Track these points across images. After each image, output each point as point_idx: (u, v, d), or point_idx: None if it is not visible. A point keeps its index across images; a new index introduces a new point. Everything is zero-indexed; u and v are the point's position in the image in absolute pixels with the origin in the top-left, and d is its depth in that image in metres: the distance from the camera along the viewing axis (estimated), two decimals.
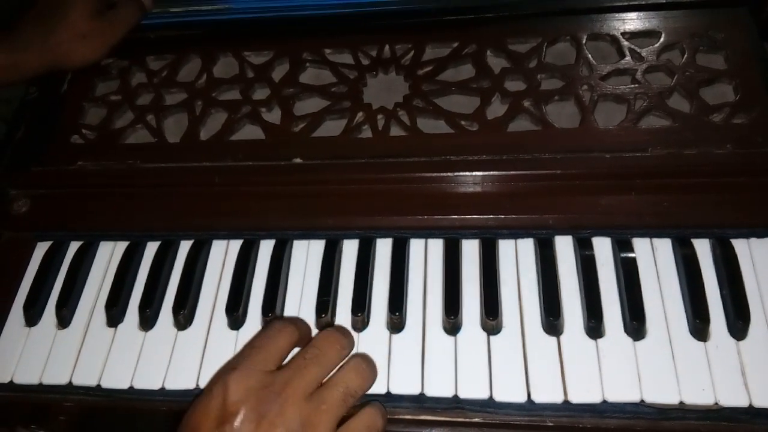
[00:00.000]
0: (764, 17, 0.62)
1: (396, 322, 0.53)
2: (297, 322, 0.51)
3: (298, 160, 0.61)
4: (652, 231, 0.55)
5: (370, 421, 0.46)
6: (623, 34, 0.64)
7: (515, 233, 0.56)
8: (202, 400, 0.44)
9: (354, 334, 0.53)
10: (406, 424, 0.50)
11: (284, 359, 0.48)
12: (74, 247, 0.61)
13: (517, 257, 0.55)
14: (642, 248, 0.54)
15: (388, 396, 0.50)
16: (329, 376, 0.47)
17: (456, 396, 0.50)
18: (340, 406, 0.45)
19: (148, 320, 0.56)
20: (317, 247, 0.58)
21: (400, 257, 0.56)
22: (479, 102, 0.62)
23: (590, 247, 0.55)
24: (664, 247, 0.54)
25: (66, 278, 0.59)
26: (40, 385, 0.55)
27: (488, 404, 0.49)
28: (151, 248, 0.60)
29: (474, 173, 0.58)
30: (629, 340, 0.50)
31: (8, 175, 0.66)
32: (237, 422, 0.42)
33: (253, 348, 0.47)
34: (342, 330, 0.51)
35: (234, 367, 0.45)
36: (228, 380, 0.44)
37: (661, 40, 0.63)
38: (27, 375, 0.55)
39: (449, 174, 0.58)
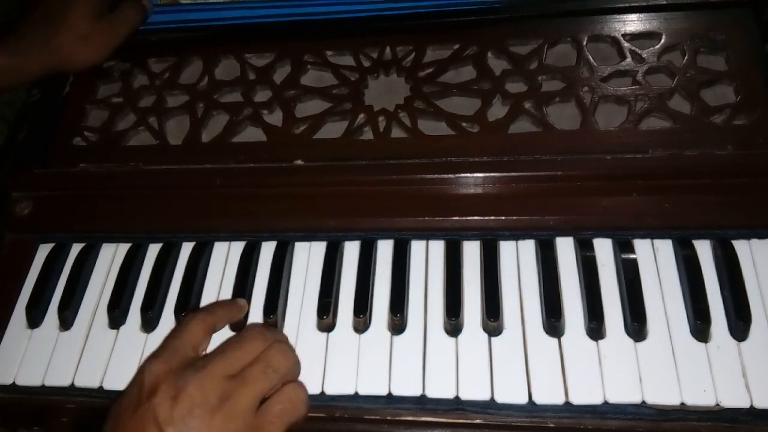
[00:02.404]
0: (765, 18, 0.62)
1: (397, 324, 0.53)
2: (214, 308, 0.52)
3: (299, 162, 0.61)
4: (653, 232, 0.55)
5: (292, 393, 0.47)
6: (624, 35, 0.64)
7: (516, 234, 0.56)
8: (125, 390, 0.46)
9: (355, 335, 0.53)
10: (408, 426, 0.50)
11: (204, 345, 0.50)
12: (76, 249, 0.62)
13: (518, 258, 0.55)
14: (643, 249, 0.54)
15: (390, 397, 0.50)
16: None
17: (457, 397, 0.50)
18: (262, 380, 0.45)
19: (150, 322, 0.56)
20: (319, 248, 0.58)
21: (401, 259, 0.56)
22: (480, 103, 0.62)
23: (591, 248, 0.55)
24: (665, 248, 0.54)
25: (68, 280, 0.59)
26: (43, 386, 0.55)
27: (489, 405, 0.49)
28: (153, 250, 0.61)
29: (475, 175, 0.58)
30: (630, 341, 0.50)
31: (11, 177, 0.66)
32: (156, 399, 0.43)
33: (170, 338, 0.49)
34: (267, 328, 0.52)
35: (154, 355, 0.47)
36: (145, 365, 0.45)
37: (662, 41, 0.63)
38: (29, 377, 0.56)
39: (450, 175, 0.58)
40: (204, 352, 0.50)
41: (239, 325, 0.55)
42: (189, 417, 0.42)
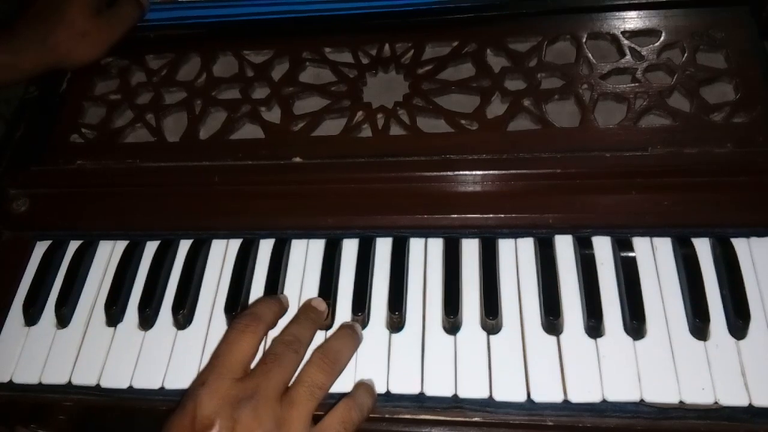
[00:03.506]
0: (765, 16, 0.62)
1: (396, 322, 0.53)
2: (260, 311, 0.50)
3: (297, 160, 0.61)
4: (652, 230, 0.55)
5: (344, 416, 0.47)
6: (623, 32, 0.64)
7: (515, 232, 0.56)
8: (176, 417, 0.45)
9: None
10: (406, 424, 0.50)
11: (254, 357, 0.48)
12: (74, 246, 0.61)
13: (517, 256, 0.55)
14: (642, 247, 0.54)
15: (388, 395, 0.50)
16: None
17: (456, 395, 0.50)
18: (309, 401, 0.46)
19: (147, 320, 0.56)
20: (317, 246, 0.58)
21: (399, 257, 0.56)
22: (479, 101, 0.62)
23: (590, 246, 0.55)
24: (664, 246, 0.54)
25: (65, 277, 0.59)
26: (40, 384, 0.55)
27: (488, 404, 0.49)
28: (151, 247, 0.60)
29: (474, 172, 0.57)
30: (629, 339, 0.50)
31: (8, 175, 0.66)
32: None
33: (218, 358, 0.47)
34: (293, 334, 0.50)
35: (203, 382, 0.46)
36: (198, 395, 0.45)
37: (662, 38, 0.63)
38: (26, 374, 0.55)
39: (449, 173, 0.58)
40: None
41: None
42: None
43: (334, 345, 0.50)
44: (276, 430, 0.44)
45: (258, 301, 0.54)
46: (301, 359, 0.49)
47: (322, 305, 0.53)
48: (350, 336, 0.52)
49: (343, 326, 0.53)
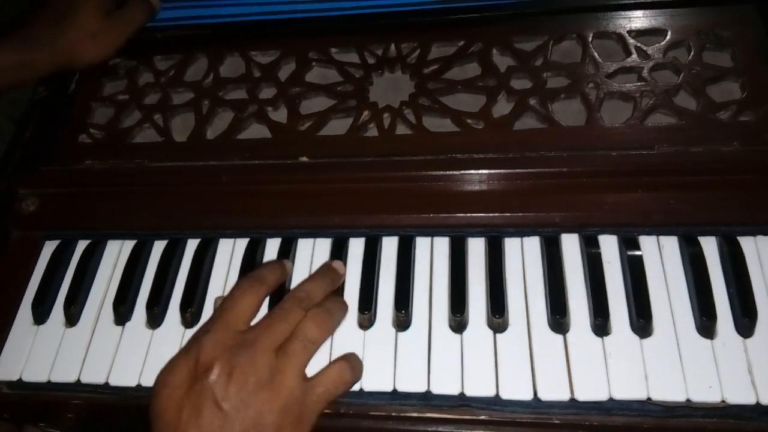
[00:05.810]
0: None
1: (402, 320, 0.53)
2: (264, 275, 0.53)
3: (304, 159, 0.61)
4: (659, 229, 0.54)
5: (337, 375, 0.49)
6: (629, 32, 0.64)
7: (521, 231, 0.56)
8: (180, 359, 0.47)
9: (360, 332, 0.54)
10: (413, 422, 0.50)
11: (255, 315, 0.51)
12: (82, 245, 0.62)
13: (523, 255, 0.55)
14: (648, 246, 0.54)
15: (395, 394, 0.50)
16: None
17: (462, 394, 0.50)
18: (302, 354, 0.48)
19: (155, 318, 0.57)
20: (323, 245, 0.58)
21: (406, 255, 0.56)
22: (485, 100, 0.62)
23: (596, 245, 0.55)
24: (671, 244, 0.54)
25: (74, 277, 0.60)
26: (49, 383, 0.55)
27: (495, 402, 0.49)
28: (159, 247, 0.61)
29: (480, 171, 0.58)
30: (636, 337, 0.50)
31: (17, 175, 0.66)
32: (212, 375, 0.45)
33: (224, 310, 0.50)
34: (306, 291, 0.52)
35: (207, 329, 0.48)
36: (202, 340, 0.47)
37: (668, 37, 0.63)
38: (35, 373, 0.56)
39: (455, 172, 0.58)
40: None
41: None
42: (244, 392, 0.45)
43: (328, 304, 0.52)
44: (270, 378, 0.46)
45: (264, 265, 0.56)
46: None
47: (342, 268, 0.56)
48: (341, 301, 0.54)
49: (333, 294, 0.55)
